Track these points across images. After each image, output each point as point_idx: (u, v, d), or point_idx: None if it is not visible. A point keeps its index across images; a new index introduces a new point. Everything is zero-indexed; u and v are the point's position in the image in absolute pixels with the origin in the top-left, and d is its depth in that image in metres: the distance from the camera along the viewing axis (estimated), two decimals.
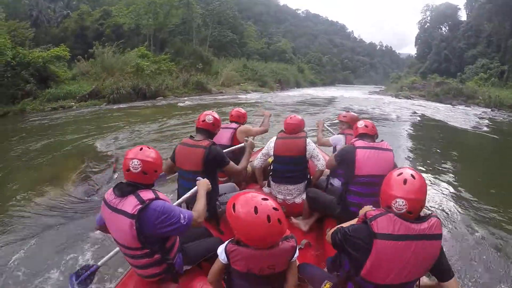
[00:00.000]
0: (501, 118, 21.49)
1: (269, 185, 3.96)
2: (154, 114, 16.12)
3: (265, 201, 1.83)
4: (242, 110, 4.65)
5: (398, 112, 20.87)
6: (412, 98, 35.26)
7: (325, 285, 2.17)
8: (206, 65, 36.18)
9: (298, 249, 2.10)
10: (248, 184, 4.36)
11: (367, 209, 2.04)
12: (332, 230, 2.15)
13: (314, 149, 3.73)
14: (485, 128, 16.31)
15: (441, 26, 64.98)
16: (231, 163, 3.22)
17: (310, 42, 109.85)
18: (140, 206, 2.02)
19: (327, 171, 3.95)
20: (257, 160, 4.00)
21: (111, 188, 2.19)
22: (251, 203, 1.80)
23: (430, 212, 2.12)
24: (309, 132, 6.56)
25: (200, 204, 2.44)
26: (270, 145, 3.81)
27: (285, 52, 69.95)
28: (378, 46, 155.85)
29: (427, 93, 35.52)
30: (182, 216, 2.14)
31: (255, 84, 39.50)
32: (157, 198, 2.12)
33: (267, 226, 1.74)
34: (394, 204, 1.81)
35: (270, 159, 3.95)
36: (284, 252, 1.92)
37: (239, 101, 23.00)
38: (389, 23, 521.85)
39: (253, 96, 29.12)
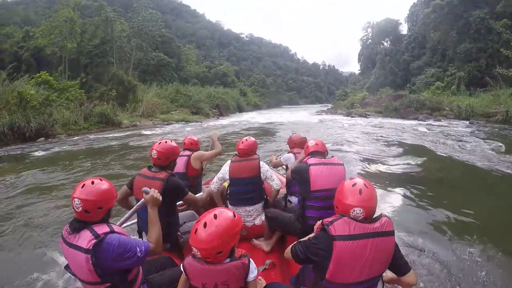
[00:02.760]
0: (504, 133, 15.60)
1: None
2: None
3: None
4: (195, 138, 4.70)
5: (360, 142, 14.53)
6: (368, 115, 29.45)
7: None
8: (129, 91, 28.46)
9: (263, 270, 2.92)
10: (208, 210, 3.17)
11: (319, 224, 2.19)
12: (291, 246, 2.18)
13: (267, 170, 3.70)
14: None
15: (383, 42, 65.58)
16: (190, 193, 3.16)
17: (254, 65, 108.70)
18: (95, 240, 1.90)
19: (284, 191, 4.06)
20: (213, 185, 3.81)
21: (68, 224, 2.04)
22: None
23: (379, 213, 2.08)
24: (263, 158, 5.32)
25: (155, 232, 2.31)
26: (225, 169, 3.73)
27: (226, 75, 64.25)
28: (321, 66, 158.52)
29: (384, 108, 29.78)
30: (138, 249, 2.02)
31: (186, 112, 32.37)
32: (112, 231, 1.99)
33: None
34: (352, 213, 1.92)
35: (226, 184, 3.88)
36: (236, 269, 1.85)
37: (136, 143, 15.32)
38: (331, 43, 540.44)
39: (166, 130, 21.34)
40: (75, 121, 19.70)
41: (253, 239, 3.60)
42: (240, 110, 50.17)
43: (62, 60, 29.56)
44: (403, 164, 9.38)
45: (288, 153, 4.46)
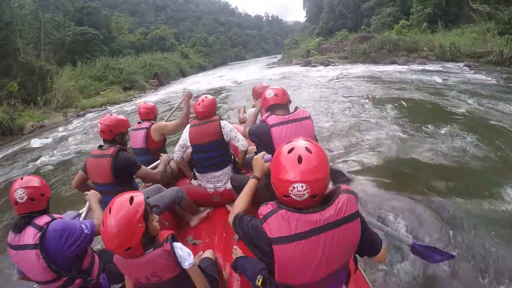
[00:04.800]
0: None
1: (196, 178, 3.46)
2: None
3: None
4: (150, 104, 4.09)
5: (351, 105, 10.06)
6: (333, 63, 24.36)
7: (258, 281, 1.76)
8: (42, 80, 20.37)
9: (239, 238, 2.25)
10: (178, 180, 3.73)
11: (260, 157, 1.88)
12: (233, 216, 1.66)
13: (231, 130, 3.24)
14: None
15: None
16: (143, 167, 2.89)
17: (194, 25, 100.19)
18: (40, 233, 1.83)
19: (254, 148, 3.33)
20: (175, 154, 3.41)
21: (11, 229, 1.93)
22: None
23: (336, 185, 1.48)
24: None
25: (96, 213, 2.27)
26: (185, 135, 3.28)
27: (164, 39, 56.25)
28: (265, 18, 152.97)
29: (350, 53, 24.70)
30: (83, 226, 1.97)
31: (118, 89, 25.45)
32: (54, 219, 1.94)
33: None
34: (292, 191, 1.33)
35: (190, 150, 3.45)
36: (159, 258, 1.63)
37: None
38: None
39: (76, 125, 14.51)
40: None
41: (227, 205, 3.29)
42: (184, 74, 43.42)
43: None
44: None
45: (253, 107, 4.00)
